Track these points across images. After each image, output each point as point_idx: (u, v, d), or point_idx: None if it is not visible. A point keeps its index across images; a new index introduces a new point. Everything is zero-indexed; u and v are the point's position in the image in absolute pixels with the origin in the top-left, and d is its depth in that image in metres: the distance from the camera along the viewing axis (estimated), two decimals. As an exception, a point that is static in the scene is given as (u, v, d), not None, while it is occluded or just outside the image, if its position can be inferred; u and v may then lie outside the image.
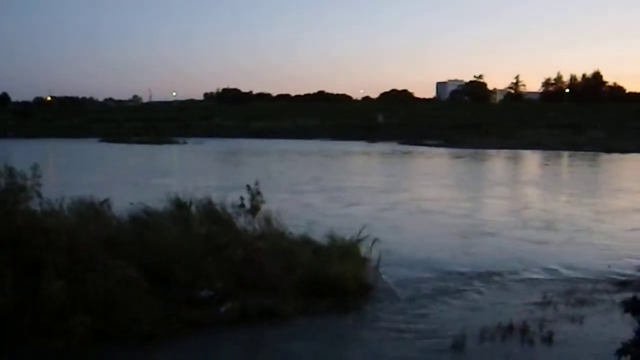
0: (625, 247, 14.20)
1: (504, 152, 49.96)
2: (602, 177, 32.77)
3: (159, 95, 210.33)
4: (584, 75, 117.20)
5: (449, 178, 31.27)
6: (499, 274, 11.64)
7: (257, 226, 11.28)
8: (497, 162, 43.37)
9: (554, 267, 12.30)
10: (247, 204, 11.02)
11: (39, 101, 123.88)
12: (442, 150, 52.22)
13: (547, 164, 41.41)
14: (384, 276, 11.18)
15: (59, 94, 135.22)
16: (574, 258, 13.06)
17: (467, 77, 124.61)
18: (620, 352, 4.57)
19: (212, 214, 12.03)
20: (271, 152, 48.43)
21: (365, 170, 36.42)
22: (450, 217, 18.50)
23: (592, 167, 38.81)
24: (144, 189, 21.31)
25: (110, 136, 63.75)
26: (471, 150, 50.05)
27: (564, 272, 11.95)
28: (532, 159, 45.46)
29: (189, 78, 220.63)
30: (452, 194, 24.26)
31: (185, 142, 59.10)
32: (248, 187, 11.05)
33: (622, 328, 7.27)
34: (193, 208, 12.22)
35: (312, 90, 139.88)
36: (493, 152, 50.12)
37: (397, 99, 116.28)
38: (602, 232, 16.23)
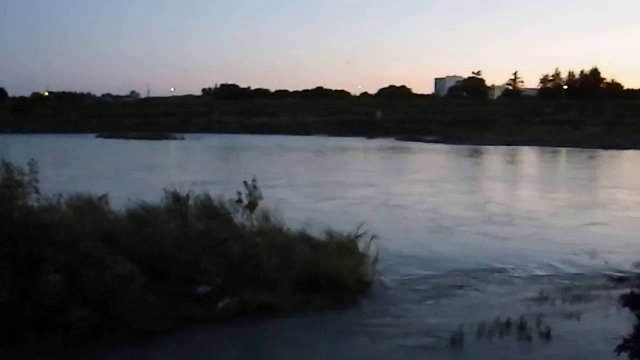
0: (576, 242, 14.36)
1: (500, 149, 50.04)
2: (583, 173, 33.03)
3: (157, 91, 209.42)
4: (582, 72, 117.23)
5: (427, 173, 31.55)
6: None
7: (255, 222, 11.28)
8: (486, 158, 43.50)
9: (502, 260, 12.42)
10: (245, 200, 11.03)
11: (37, 96, 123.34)
12: (438, 146, 52.27)
13: (536, 160, 41.78)
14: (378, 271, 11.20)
15: (56, 89, 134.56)
16: (525, 252, 13.22)
17: (466, 73, 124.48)
18: (620, 347, 4.58)
19: (210, 209, 12.02)
20: (263, 148, 48.55)
21: (348, 166, 36.59)
22: (414, 211, 18.84)
23: (581, 163, 39.04)
24: (120, 182, 21.36)
25: (108, 132, 63.67)
26: (468, 146, 50.11)
27: (500, 265, 12.03)
28: (522, 155, 45.67)
29: (187, 74, 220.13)
30: (422, 189, 24.42)
31: (183, 138, 59.09)
32: (245, 182, 11.06)
33: (619, 323, 7.31)
34: (191, 203, 12.20)
35: (311, 86, 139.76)
36: (490, 148, 50.19)
37: (396, 95, 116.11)
38: (558, 227, 16.48)
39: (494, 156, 44.74)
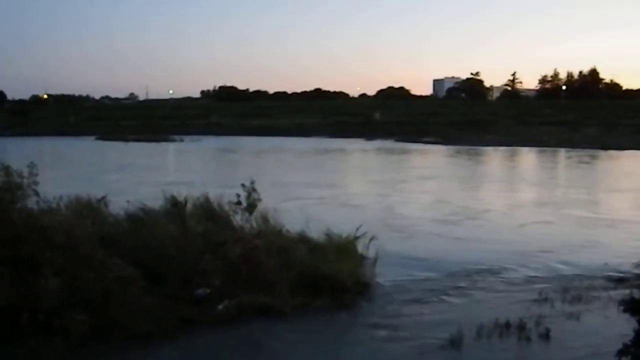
0: (505, 242, 14.55)
1: (498, 150, 49.96)
2: (561, 173, 33.36)
3: (156, 93, 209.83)
4: (580, 73, 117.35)
5: (403, 173, 31.95)
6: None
7: (254, 224, 11.29)
8: (476, 159, 43.20)
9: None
10: (244, 202, 11.06)
11: (35, 99, 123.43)
12: (436, 147, 52.16)
13: (526, 161, 42.19)
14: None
15: (55, 92, 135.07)
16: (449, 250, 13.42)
17: (464, 74, 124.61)
18: (621, 352, 4.59)
19: (209, 211, 12.02)
20: (256, 150, 48.60)
21: (327, 166, 36.66)
22: (368, 210, 18.86)
23: (571, 164, 39.25)
24: (93, 184, 21.21)
25: (107, 134, 63.59)
26: (466, 148, 50.06)
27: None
28: (515, 156, 45.75)
29: (185, 76, 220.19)
30: (387, 190, 24.56)
31: (182, 140, 59.02)
32: (243, 185, 11.09)
33: (619, 324, 7.31)
34: (189, 205, 12.20)
35: (309, 87, 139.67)
36: (488, 149, 50.13)
37: (394, 96, 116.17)
38: (502, 226, 16.86)
39: (485, 157, 44.74)
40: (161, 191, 12.16)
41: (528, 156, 45.78)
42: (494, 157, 44.71)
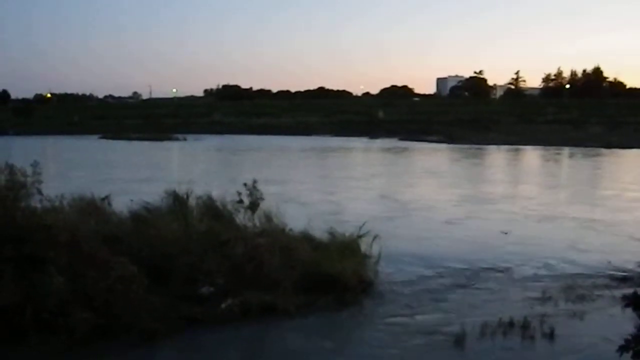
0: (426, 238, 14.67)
1: (501, 148, 49.93)
2: (536, 170, 33.61)
3: (159, 92, 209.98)
4: (584, 71, 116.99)
5: (372, 169, 32.69)
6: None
7: (257, 222, 11.28)
8: (469, 157, 43.04)
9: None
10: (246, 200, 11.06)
11: (39, 98, 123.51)
12: (439, 146, 52.11)
13: (519, 159, 42.71)
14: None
15: (58, 90, 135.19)
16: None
17: (468, 73, 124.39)
18: (622, 348, 4.57)
19: (212, 210, 12.02)
20: (252, 149, 48.87)
21: (298, 165, 36.96)
22: (311, 207, 18.47)
23: (563, 162, 39.69)
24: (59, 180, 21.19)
25: (111, 133, 63.66)
26: (469, 146, 50.00)
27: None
28: (512, 155, 45.81)
29: (188, 75, 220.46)
30: (344, 187, 24.68)
31: (185, 139, 59.08)
32: (245, 184, 11.09)
33: (623, 323, 7.29)
34: (192, 203, 12.21)
35: (313, 86, 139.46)
36: (491, 148, 50.07)
37: (398, 95, 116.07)
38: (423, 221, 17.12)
39: (482, 156, 44.76)
40: (162, 190, 12.19)
41: (525, 155, 45.82)
42: (490, 156, 44.66)
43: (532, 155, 45.79)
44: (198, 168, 33.11)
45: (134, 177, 25.69)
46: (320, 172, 32.20)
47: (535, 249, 13.42)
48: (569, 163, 41.09)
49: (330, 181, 27.04)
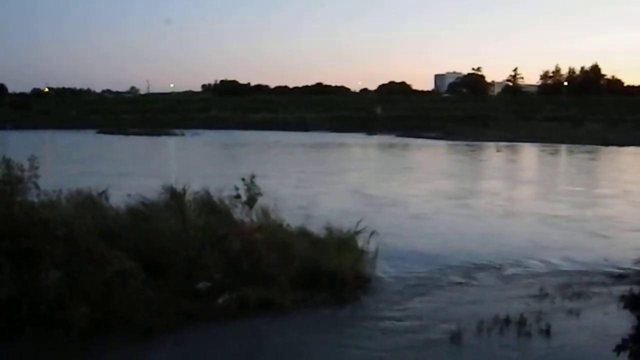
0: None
1: (497, 145, 49.90)
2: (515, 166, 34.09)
3: (157, 87, 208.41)
4: (582, 68, 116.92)
5: (355, 164, 33.36)
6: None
7: (254, 218, 11.28)
8: (462, 153, 43.23)
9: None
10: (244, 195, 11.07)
11: (37, 92, 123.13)
12: (436, 142, 52.13)
13: (512, 156, 42.84)
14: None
15: (56, 85, 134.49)
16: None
17: (466, 70, 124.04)
18: (619, 347, 4.58)
19: (209, 205, 12.02)
20: (244, 144, 49.10)
21: (283, 160, 37.00)
22: (283, 201, 18.19)
23: (553, 159, 39.71)
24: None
25: (108, 128, 63.55)
26: (467, 143, 50.00)
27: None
28: (508, 152, 45.90)
29: (186, 70, 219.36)
30: (323, 182, 24.86)
31: (182, 134, 59.02)
32: (243, 179, 11.09)
33: (618, 320, 7.31)
34: (189, 198, 12.19)
35: (311, 82, 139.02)
36: (488, 144, 50.02)
37: (396, 91, 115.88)
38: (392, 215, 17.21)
39: (476, 152, 44.82)
40: (160, 185, 12.16)
41: (519, 152, 45.85)
42: (483, 153, 44.67)
43: (525, 152, 45.88)
44: (180, 163, 33.62)
45: (115, 171, 25.44)
46: (301, 167, 32.17)
47: (496, 246, 13.62)
48: (558, 160, 41.02)
49: (307, 175, 27.06)
